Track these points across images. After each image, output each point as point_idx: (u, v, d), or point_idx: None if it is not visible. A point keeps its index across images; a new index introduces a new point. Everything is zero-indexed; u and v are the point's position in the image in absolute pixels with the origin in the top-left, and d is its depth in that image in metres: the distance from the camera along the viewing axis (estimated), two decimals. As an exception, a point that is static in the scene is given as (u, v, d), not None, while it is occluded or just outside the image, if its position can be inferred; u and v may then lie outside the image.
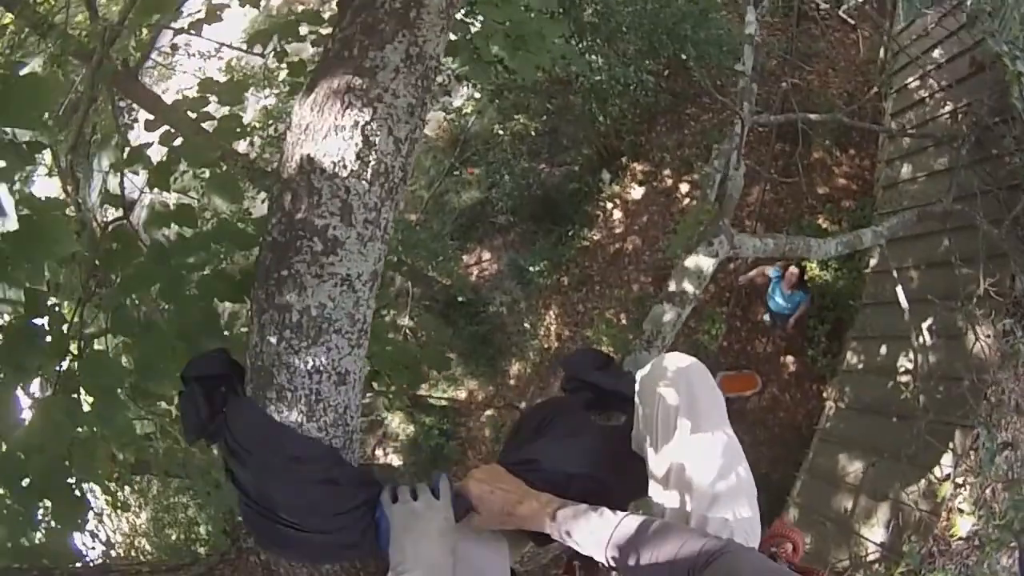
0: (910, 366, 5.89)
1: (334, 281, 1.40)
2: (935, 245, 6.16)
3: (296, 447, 1.44)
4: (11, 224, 1.43)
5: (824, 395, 7.77)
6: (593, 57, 8.29)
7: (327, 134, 1.41)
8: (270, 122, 9.98)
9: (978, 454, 4.84)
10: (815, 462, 6.85)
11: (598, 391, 1.95)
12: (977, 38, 6.39)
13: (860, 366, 7.07)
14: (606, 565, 1.40)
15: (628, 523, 1.37)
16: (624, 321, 9.20)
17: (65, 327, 1.96)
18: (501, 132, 10.92)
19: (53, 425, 1.77)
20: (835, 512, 6.13)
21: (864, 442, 6.39)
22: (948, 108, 7.06)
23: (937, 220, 5.60)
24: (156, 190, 2.27)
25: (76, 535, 2.12)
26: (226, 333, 1.96)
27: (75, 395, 1.85)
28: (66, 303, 2.55)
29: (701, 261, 3.17)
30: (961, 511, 4.76)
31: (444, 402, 10.08)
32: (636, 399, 1.67)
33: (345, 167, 1.39)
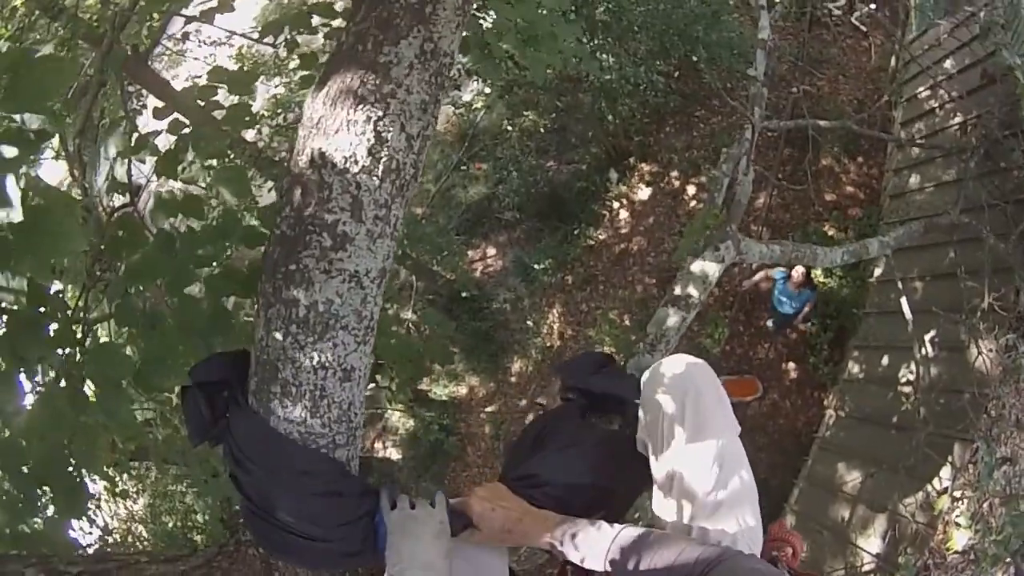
0: (912, 377, 5.87)
1: (342, 277, 1.39)
2: (941, 257, 6.14)
3: (302, 461, 1.45)
4: (16, 215, 1.41)
5: (824, 403, 7.76)
6: (604, 56, 8.27)
7: (339, 129, 1.40)
8: (279, 111, 9.95)
9: (977, 468, 4.82)
10: (814, 470, 6.84)
11: (592, 396, 1.95)
12: (989, 50, 6.35)
13: (861, 375, 7.05)
14: (604, 571, 1.41)
15: (626, 534, 1.39)
16: (627, 322, 9.19)
17: (69, 313, 1.96)
18: (510, 128, 10.92)
19: (55, 413, 1.76)
20: (832, 521, 6.11)
21: (863, 452, 6.37)
22: (958, 119, 7.02)
23: (943, 232, 5.58)
24: (163, 178, 2.26)
25: (74, 521, 2.12)
26: (240, 334, 1.95)
27: (79, 384, 1.85)
28: (70, 287, 2.55)
29: (707, 266, 3.16)
30: (958, 525, 4.74)
31: (445, 398, 10.08)
32: (640, 405, 1.68)
33: (356, 163, 1.39)
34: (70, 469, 1.87)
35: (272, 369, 1.42)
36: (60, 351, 1.87)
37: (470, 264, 10.67)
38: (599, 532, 1.41)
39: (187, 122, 2.47)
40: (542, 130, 10.65)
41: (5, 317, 1.77)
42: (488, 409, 9.84)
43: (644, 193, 10.04)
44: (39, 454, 1.82)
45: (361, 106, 1.40)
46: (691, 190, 9.73)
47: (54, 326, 1.84)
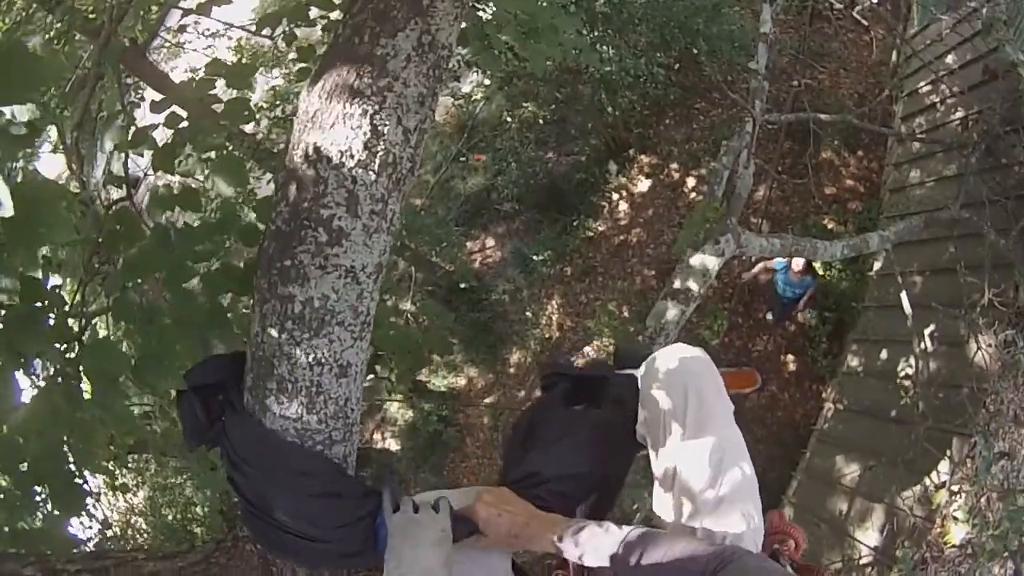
0: (910, 371, 5.88)
1: (338, 273, 1.38)
2: (941, 251, 6.13)
3: (299, 462, 1.45)
4: (6, 212, 1.40)
5: (823, 396, 7.78)
6: (604, 48, 8.25)
7: (335, 123, 1.38)
8: (277, 103, 9.94)
9: (975, 462, 4.82)
10: (812, 463, 6.85)
11: (571, 379, 1.94)
12: (991, 46, 6.33)
13: (860, 369, 7.06)
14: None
15: (633, 535, 1.38)
16: (626, 313, 9.19)
17: (67, 308, 1.95)
18: (509, 119, 10.91)
19: (53, 410, 1.76)
20: (830, 514, 6.13)
21: (862, 445, 6.39)
22: (959, 114, 7.01)
23: (944, 227, 5.57)
24: (160, 172, 2.25)
25: (73, 517, 2.12)
26: (237, 331, 1.94)
27: (76, 380, 1.84)
28: (67, 281, 2.54)
29: (707, 259, 3.16)
30: (956, 519, 4.75)
31: (443, 389, 10.09)
32: (639, 401, 1.67)
33: (352, 157, 1.37)
34: (68, 466, 1.87)
35: (268, 365, 1.42)
36: (57, 346, 1.87)
37: (469, 255, 10.67)
38: (607, 534, 1.40)
39: (184, 115, 2.45)
40: (541, 121, 10.63)
41: (2, 312, 1.76)
42: (487, 400, 9.85)
43: (644, 185, 10.03)
44: (36, 451, 1.81)
45: (357, 100, 1.38)
46: (691, 182, 9.72)
47: (51, 321, 1.84)
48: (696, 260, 3.16)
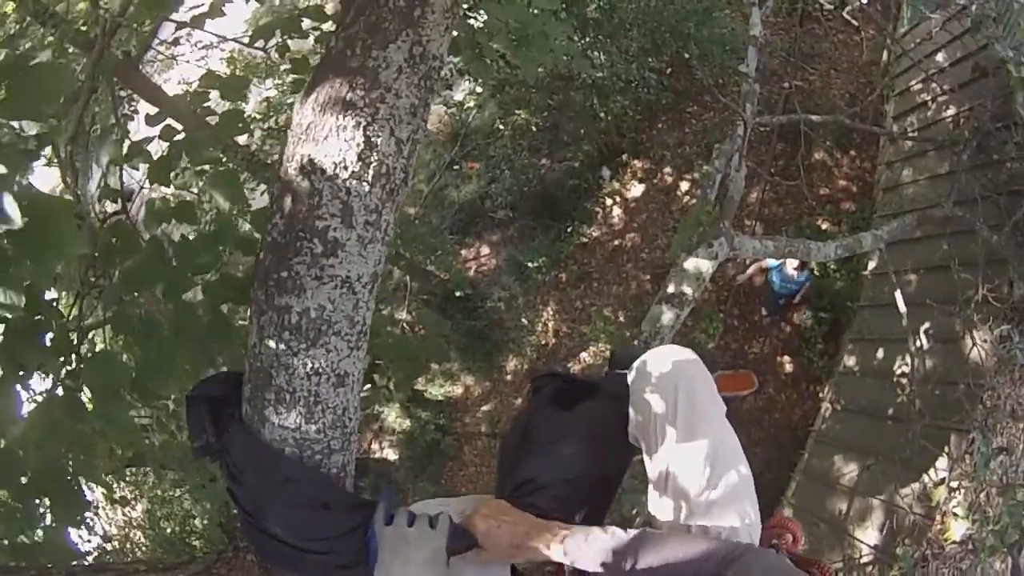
0: (907, 369, 5.89)
1: (334, 283, 1.39)
2: (934, 249, 6.15)
3: (289, 469, 1.44)
4: (16, 225, 1.40)
5: (820, 396, 7.78)
6: (595, 53, 8.28)
7: (328, 135, 1.40)
8: (271, 113, 9.93)
9: (973, 458, 4.83)
10: (810, 463, 6.86)
11: (561, 378, 1.92)
12: (981, 43, 6.36)
13: (857, 368, 7.07)
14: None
15: (636, 537, 1.35)
16: (622, 318, 9.19)
17: (64, 321, 1.95)
18: (502, 127, 10.91)
19: (53, 423, 1.76)
20: (829, 513, 6.13)
21: (859, 444, 6.39)
22: (950, 112, 7.04)
23: (937, 225, 5.59)
24: (156, 185, 2.26)
25: (73, 530, 2.11)
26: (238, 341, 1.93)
27: (77, 393, 1.84)
28: (64, 294, 2.54)
29: (701, 263, 3.17)
30: (955, 515, 4.76)
31: (440, 397, 10.09)
32: (630, 404, 1.67)
33: (346, 168, 1.38)
34: (68, 478, 1.87)
35: (266, 376, 1.42)
36: (60, 363, 1.87)
37: (464, 263, 10.66)
38: (613, 539, 1.36)
39: (179, 128, 2.46)
40: (534, 128, 10.64)
41: (3, 326, 1.76)
42: (484, 408, 9.84)
43: (637, 190, 10.05)
44: (37, 464, 1.81)
45: (350, 111, 1.40)
46: (684, 186, 9.74)
47: (50, 334, 1.84)
48: (690, 264, 3.17)
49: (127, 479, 6.90)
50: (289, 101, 9.58)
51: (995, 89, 5.83)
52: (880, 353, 6.80)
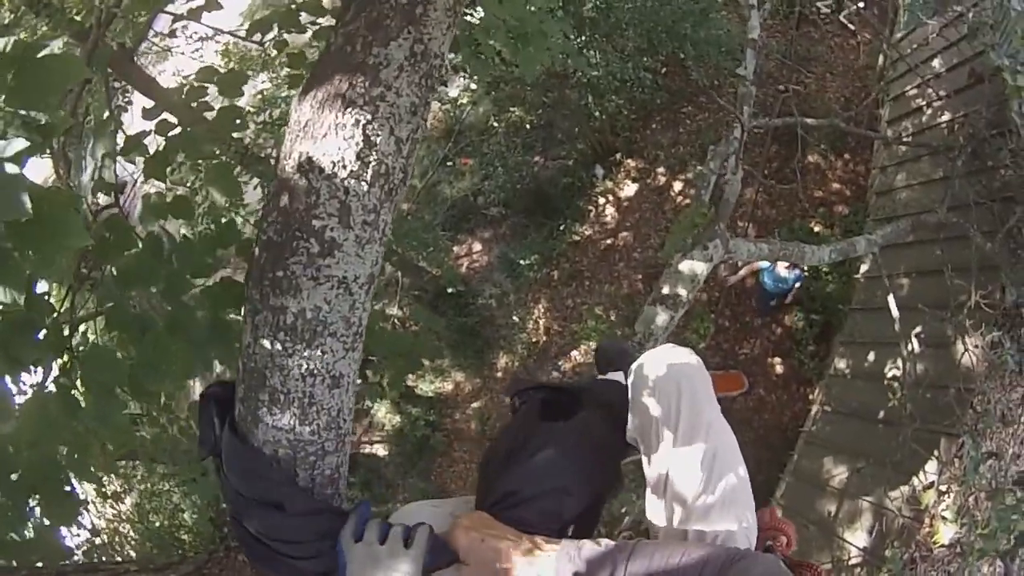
0: (898, 373, 5.90)
1: (330, 284, 1.37)
2: (927, 254, 6.17)
3: (263, 467, 1.40)
4: (26, 215, 1.37)
5: (810, 398, 7.81)
6: (591, 52, 8.28)
7: (327, 132, 1.38)
8: (265, 107, 9.89)
9: (963, 462, 4.86)
10: (800, 464, 6.87)
11: (546, 389, 1.86)
12: (977, 50, 6.38)
13: (847, 371, 7.09)
14: None
15: (628, 547, 1.31)
16: (613, 317, 9.21)
17: (55, 315, 1.94)
18: (496, 124, 10.93)
19: (47, 420, 1.74)
20: (818, 515, 6.15)
21: (849, 447, 6.42)
22: (945, 118, 7.06)
23: (930, 230, 5.61)
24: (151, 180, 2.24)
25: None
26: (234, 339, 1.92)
27: (71, 390, 1.82)
28: (55, 287, 2.52)
29: (695, 265, 3.16)
30: (944, 519, 4.78)
31: (431, 394, 10.09)
32: (628, 407, 1.66)
33: (344, 167, 1.37)
34: (61, 476, 1.85)
35: (260, 377, 1.41)
36: (53, 359, 1.85)
37: (456, 260, 10.67)
38: (595, 547, 1.30)
39: (175, 122, 2.44)
40: (528, 126, 10.66)
41: None
42: (474, 405, 9.86)
43: (630, 189, 10.06)
44: (29, 461, 1.80)
45: (349, 109, 1.38)
46: (677, 186, 9.76)
47: (44, 332, 1.82)
48: (684, 266, 3.17)
49: (118, 472, 6.87)
50: (283, 95, 9.55)
51: (990, 96, 5.85)
52: (871, 356, 6.83)
